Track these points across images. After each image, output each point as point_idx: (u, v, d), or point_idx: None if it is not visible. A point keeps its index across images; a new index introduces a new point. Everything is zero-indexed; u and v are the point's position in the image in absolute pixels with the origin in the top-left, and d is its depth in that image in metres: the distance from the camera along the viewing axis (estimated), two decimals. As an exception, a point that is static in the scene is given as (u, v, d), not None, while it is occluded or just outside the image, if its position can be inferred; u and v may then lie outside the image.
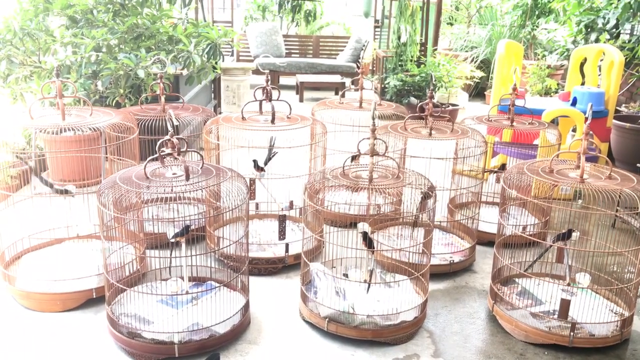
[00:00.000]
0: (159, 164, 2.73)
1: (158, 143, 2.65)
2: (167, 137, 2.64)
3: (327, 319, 2.86)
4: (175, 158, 2.67)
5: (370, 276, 3.06)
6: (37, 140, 4.68)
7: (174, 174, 2.69)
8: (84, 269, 3.17)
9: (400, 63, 7.95)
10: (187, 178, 2.63)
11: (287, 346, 2.79)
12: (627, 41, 6.37)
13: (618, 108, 6.15)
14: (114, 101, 4.63)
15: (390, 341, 2.82)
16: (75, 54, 4.36)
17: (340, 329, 2.83)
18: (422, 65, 7.82)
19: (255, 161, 3.60)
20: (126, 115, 3.48)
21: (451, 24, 11.06)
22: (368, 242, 2.98)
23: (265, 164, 3.64)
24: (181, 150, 2.67)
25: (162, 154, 2.67)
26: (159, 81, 3.84)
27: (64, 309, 3.00)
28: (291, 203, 3.80)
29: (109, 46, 4.54)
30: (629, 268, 3.45)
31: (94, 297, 3.05)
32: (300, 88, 8.98)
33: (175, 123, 2.68)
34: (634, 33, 6.69)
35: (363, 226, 3.03)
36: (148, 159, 2.68)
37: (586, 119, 2.87)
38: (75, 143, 4.44)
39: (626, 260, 3.48)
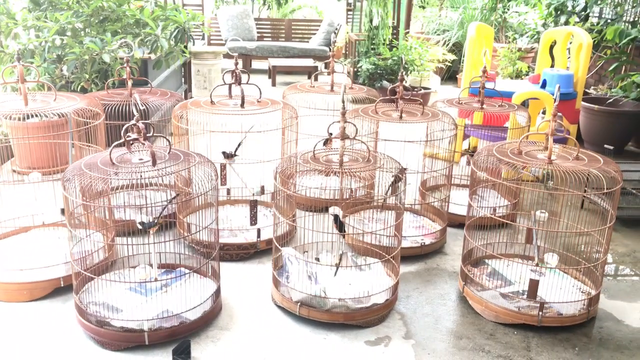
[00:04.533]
0: (126, 150, 2.67)
1: (123, 128, 2.60)
2: (133, 121, 2.59)
3: (299, 303, 2.85)
4: (142, 143, 2.62)
5: (340, 260, 3.06)
6: (2, 126, 4.56)
7: (140, 159, 2.64)
8: (51, 258, 3.11)
9: (372, 46, 7.92)
10: (154, 164, 2.58)
11: (259, 331, 2.78)
12: (595, 24, 6.44)
13: (587, 90, 6.23)
14: (79, 86, 4.53)
15: (362, 324, 2.83)
16: (38, 37, 4.24)
17: (312, 313, 2.83)
18: (394, 49, 7.81)
19: (224, 152, 3.57)
20: (91, 100, 3.40)
21: (423, 7, 11.05)
22: (339, 225, 2.98)
23: (235, 150, 3.60)
24: (147, 135, 2.62)
25: (127, 139, 2.62)
26: (125, 65, 3.76)
27: (31, 298, 2.95)
28: (262, 188, 3.77)
29: (74, 30, 4.43)
30: (596, 248, 3.51)
31: (62, 286, 3.00)
32: (272, 72, 8.91)
33: (141, 107, 2.63)
34: (602, 16, 6.77)
35: (334, 209, 3.02)
36: (113, 144, 2.62)
37: (555, 100, 2.90)
38: (41, 129, 4.34)
39: (594, 240, 3.54)
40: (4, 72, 3.22)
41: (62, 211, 3.33)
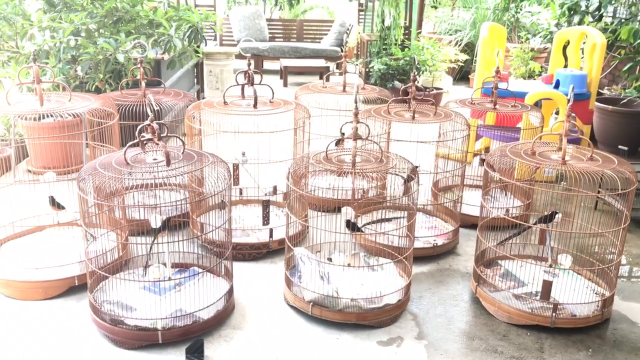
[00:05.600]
0: (140, 150, 2.69)
1: (138, 128, 2.62)
2: (147, 122, 2.61)
3: (311, 303, 2.86)
4: (156, 143, 2.64)
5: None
6: (17, 127, 4.61)
7: (154, 159, 2.66)
8: (65, 257, 3.14)
9: (384, 47, 7.92)
10: (168, 164, 2.60)
11: (271, 331, 2.79)
12: (609, 23, 6.39)
13: (600, 90, 6.18)
14: (94, 86, 4.57)
15: (374, 324, 2.83)
16: (53, 38, 4.28)
17: (325, 313, 2.84)
18: (406, 49, 7.80)
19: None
20: (106, 101, 3.43)
21: (435, 7, 11.02)
22: (352, 226, 2.99)
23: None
24: (161, 135, 2.64)
25: (142, 139, 2.64)
26: (139, 66, 3.78)
27: (45, 297, 2.98)
28: (275, 188, 3.78)
29: (88, 30, 4.46)
30: (610, 249, 3.49)
31: (76, 284, 3.02)
32: (284, 72, 8.92)
33: (155, 108, 2.65)
34: (616, 15, 6.71)
35: (347, 210, 3.03)
36: (128, 144, 2.65)
37: (568, 100, 2.88)
38: (55, 129, 4.38)
39: (607, 241, 3.51)
40: (20, 72, 3.25)
41: (54, 201, 3.36)
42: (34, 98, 3.23)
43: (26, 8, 4.58)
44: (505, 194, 4.18)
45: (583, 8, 6.40)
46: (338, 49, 9.74)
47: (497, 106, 4.00)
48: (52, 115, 3.49)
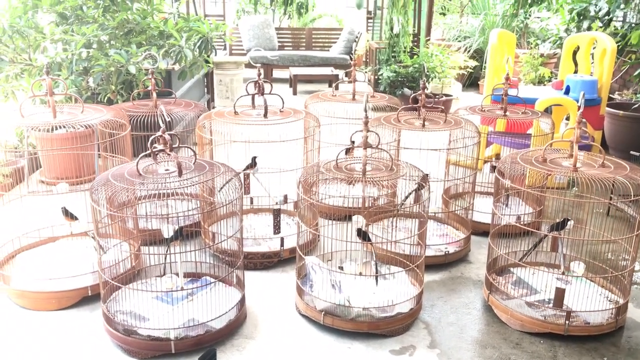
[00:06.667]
0: (152, 161, 2.72)
1: (150, 139, 2.64)
2: (159, 133, 2.63)
3: (323, 312, 2.86)
4: (168, 154, 2.66)
5: (377, 269, 3.07)
6: (30, 138, 4.66)
7: (166, 170, 2.68)
8: (78, 267, 3.16)
9: (393, 54, 7.93)
10: (180, 174, 2.62)
11: (283, 340, 2.80)
12: (619, 28, 6.37)
13: (611, 95, 6.15)
14: (106, 97, 4.61)
15: (386, 333, 2.82)
16: (65, 50, 4.33)
17: (337, 322, 2.84)
18: (415, 56, 7.80)
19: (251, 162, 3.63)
20: (118, 112, 3.46)
21: (444, 14, 11.03)
22: (363, 235, 2.99)
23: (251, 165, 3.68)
24: (173, 146, 2.66)
25: (153, 150, 2.66)
26: (150, 77, 3.82)
27: (59, 307, 3.00)
28: (285, 197, 3.79)
29: (100, 42, 4.51)
30: (623, 255, 3.46)
31: (89, 295, 3.04)
32: (293, 81, 8.95)
33: (167, 119, 2.67)
34: (626, 20, 6.69)
35: (358, 219, 3.03)
36: (140, 155, 2.67)
37: (579, 107, 2.87)
38: (68, 141, 4.43)
39: (621, 248, 3.49)
40: (33, 85, 3.29)
41: (67, 212, 3.39)
42: (47, 110, 3.27)
43: (39, 21, 4.63)
44: (508, 203, 4.17)
45: (592, 13, 6.39)
46: (347, 56, 9.77)
47: (507, 113, 3.99)
48: (64, 127, 3.53)
